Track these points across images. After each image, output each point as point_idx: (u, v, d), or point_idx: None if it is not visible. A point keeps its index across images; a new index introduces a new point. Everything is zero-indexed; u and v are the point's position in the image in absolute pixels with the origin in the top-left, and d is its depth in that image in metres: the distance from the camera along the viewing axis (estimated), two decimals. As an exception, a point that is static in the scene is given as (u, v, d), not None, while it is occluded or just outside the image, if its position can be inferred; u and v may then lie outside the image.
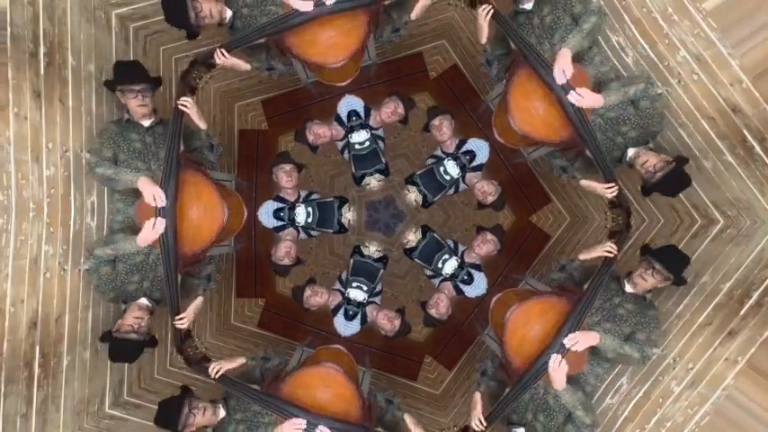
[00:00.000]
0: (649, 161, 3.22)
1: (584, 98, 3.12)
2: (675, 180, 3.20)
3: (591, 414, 3.38)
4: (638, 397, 3.38)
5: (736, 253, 3.29)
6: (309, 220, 4.52)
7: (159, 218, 3.17)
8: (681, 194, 3.61)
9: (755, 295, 3.10)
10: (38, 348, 3.01)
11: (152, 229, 3.18)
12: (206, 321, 4.84)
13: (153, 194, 3.17)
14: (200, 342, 4.04)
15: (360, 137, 4.45)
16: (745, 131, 3.08)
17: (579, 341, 3.15)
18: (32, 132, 2.93)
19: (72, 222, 3.27)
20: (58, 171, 3.13)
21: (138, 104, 3.35)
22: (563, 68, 3.11)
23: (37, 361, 3.01)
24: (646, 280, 3.32)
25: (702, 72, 3.11)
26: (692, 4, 2.98)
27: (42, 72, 2.99)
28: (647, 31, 3.23)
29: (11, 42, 2.77)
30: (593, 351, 3.36)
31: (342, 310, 4.48)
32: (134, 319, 3.31)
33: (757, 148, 3.06)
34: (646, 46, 3.28)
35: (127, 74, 3.32)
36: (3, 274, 2.81)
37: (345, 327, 4.45)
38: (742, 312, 3.12)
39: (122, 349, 3.26)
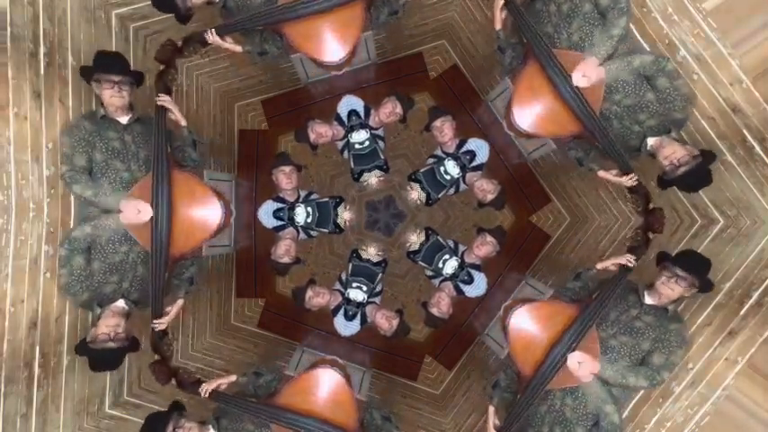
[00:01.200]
0: (676, 152, 3.08)
1: (588, 77, 3.11)
2: (700, 176, 3.09)
3: (619, 412, 3.26)
4: (637, 397, 3.37)
5: (736, 253, 3.29)
6: (309, 220, 4.52)
7: (143, 204, 3.20)
8: (681, 194, 3.62)
9: (755, 295, 3.10)
10: (38, 348, 3.01)
11: (137, 213, 3.19)
12: (206, 321, 4.83)
13: (137, 209, 3.20)
14: (177, 342, 4.01)
15: (360, 136, 4.46)
16: (745, 131, 3.08)
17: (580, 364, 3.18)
18: (32, 132, 2.93)
19: (72, 222, 3.26)
20: (57, 171, 3.13)
21: (112, 95, 3.18)
22: (584, 73, 3.11)
23: (37, 361, 3.00)
24: (672, 290, 3.15)
25: (702, 72, 3.11)
26: (692, 4, 2.98)
27: (42, 72, 2.98)
28: (647, 31, 3.23)
29: (11, 42, 2.77)
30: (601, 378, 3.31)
31: (342, 311, 4.48)
32: (107, 327, 3.13)
33: (757, 148, 3.06)
34: (646, 46, 3.28)
35: (108, 63, 3.21)
36: (3, 274, 2.80)
37: (345, 327, 4.45)
38: (742, 312, 3.12)
39: (102, 359, 3.13)
